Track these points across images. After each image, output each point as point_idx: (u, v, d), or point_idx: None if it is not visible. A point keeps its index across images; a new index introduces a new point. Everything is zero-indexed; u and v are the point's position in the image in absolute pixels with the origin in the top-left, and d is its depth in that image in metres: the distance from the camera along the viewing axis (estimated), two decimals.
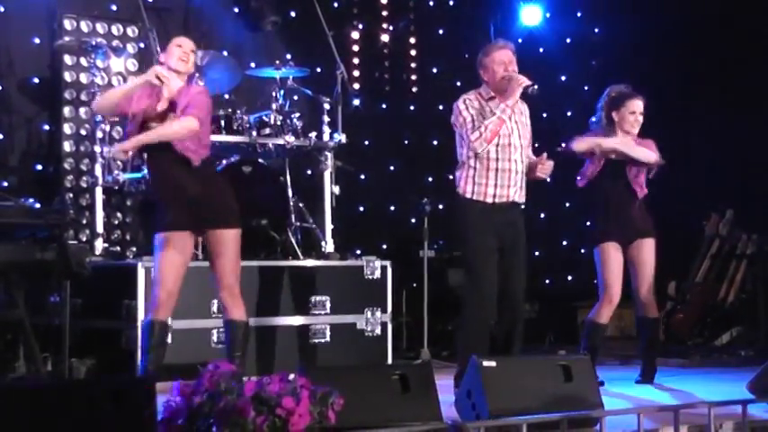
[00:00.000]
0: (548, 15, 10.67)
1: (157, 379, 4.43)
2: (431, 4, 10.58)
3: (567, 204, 10.99)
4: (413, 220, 9.60)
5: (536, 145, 10.17)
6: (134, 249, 8.10)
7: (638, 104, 7.21)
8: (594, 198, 7.28)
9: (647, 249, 7.20)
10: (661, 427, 5.36)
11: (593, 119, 7.38)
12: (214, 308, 6.98)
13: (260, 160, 7.92)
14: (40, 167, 8.42)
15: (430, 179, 10.22)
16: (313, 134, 7.99)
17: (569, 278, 10.91)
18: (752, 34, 9.86)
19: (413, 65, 10.45)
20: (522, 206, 6.67)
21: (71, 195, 8.25)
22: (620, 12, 10.41)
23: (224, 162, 7.67)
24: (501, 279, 6.46)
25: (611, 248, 7.13)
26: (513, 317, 6.49)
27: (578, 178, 7.32)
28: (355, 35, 10.07)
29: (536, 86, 6.45)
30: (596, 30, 10.95)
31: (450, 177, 6.79)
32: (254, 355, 7.12)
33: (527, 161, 6.64)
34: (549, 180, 6.81)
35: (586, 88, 10.94)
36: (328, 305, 7.54)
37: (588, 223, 7.69)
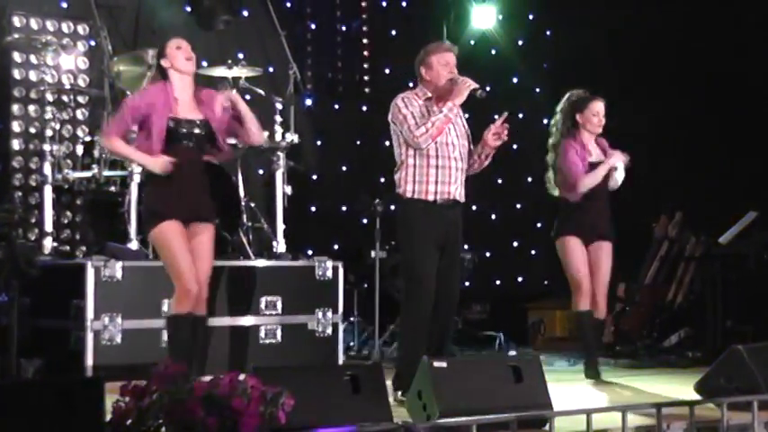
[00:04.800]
0: (500, 18, 10.71)
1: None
2: (384, 4, 10.59)
3: (518, 206, 11.04)
4: (365, 221, 9.60)
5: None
6: (83, 249, 8.03)
7: (600, 106, 7.53)
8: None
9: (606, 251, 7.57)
10: (609, 428, 5.40)
11: (552, 122, 7.57)
12: (164, 307, 6.93)
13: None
14: None
15: (382, 180, 10.21)
16: (265, 134, 7.95)
17: (520, 279, 10.96)
18: (702, 35, 9.95)
19: (365, 65, 10.45)
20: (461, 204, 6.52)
21: (20, 194, 8.19)
22: (571, 15, 10.47)
23: None
24: (439, 278, 6.32)
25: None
26: (448, 316, 6.38)
27: (563, 191, 7.49)
28: (308, 35, 10.06)
29: (486, 90, 6.39)
30: (548, 32, 11.01)
31: None
32: (205, 355, 7.09)
33: (466, 159, 6.48)
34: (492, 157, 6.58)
35: (538, 90, 11.00)
36: (279, 305, 7.52)
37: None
